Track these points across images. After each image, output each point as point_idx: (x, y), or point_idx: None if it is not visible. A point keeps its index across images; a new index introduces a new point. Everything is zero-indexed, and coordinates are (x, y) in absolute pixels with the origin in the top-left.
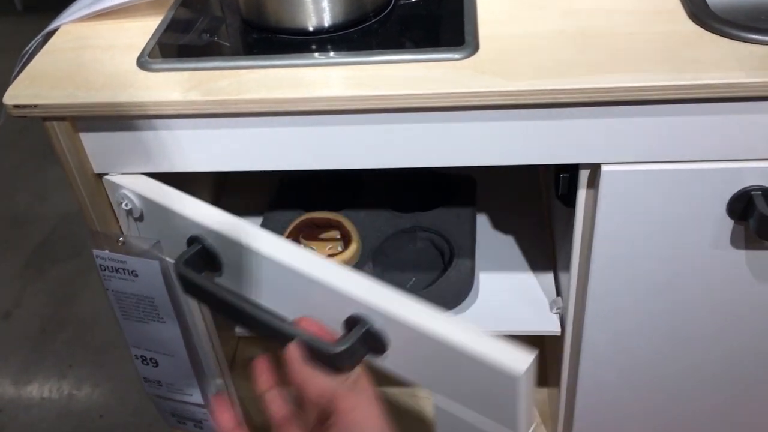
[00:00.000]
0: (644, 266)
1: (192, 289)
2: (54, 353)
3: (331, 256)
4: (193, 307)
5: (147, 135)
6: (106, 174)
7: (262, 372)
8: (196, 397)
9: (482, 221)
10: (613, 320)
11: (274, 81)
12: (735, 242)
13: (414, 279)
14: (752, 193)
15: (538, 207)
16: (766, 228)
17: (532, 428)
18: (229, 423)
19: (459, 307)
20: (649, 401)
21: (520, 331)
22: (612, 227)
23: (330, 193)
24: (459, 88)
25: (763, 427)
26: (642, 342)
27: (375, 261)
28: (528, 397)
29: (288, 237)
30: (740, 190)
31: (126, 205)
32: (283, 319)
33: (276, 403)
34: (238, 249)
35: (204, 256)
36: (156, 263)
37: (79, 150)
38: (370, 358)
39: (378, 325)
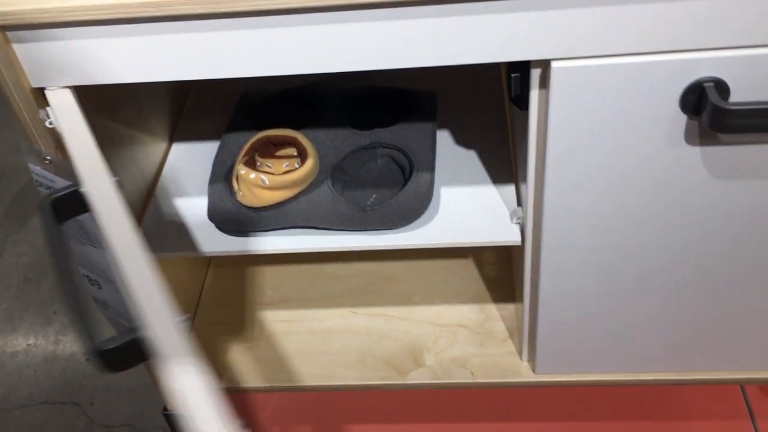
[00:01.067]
0: (599, 168)
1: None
2: (38, 300)
3: (287, 173)
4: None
5: (81, 44)
6: (45, 88)
7: None
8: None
9: (444, 136)
10: (570, 226)
11: None
12: (689, 138)
13: (375, 195)
14: (704, 84)
15: (500, 120)
16: (719, 120)
17: None
18: None
19: (419, 220)
20: (610, 308)
21: (480, 242)
22: (565, 128)
23: (288, 113)
24: None
25: (724, 325)
26: (601, 246)
27: (334, 179)
28: None
29: (244, 156)
30: (693, 83)
31: (50, 123)
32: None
33: None
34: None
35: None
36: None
37: (13, 62)
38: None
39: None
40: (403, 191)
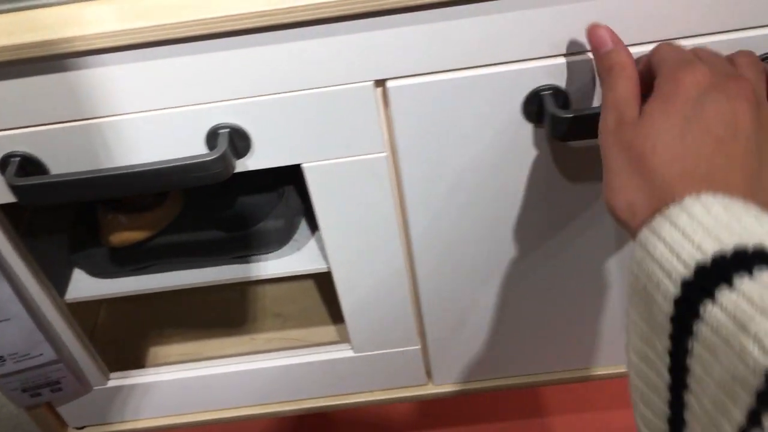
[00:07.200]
0: (455, 183)
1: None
2: None
3: (148, 209)
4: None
5: None
6: None
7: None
8: (48, 353)
9: None
10: (436, 242)
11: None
12: (538, 144)
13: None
14: (542, 93)
15: None
16: (558, 128)
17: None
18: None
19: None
20: (486, 314)
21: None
22: (413, 145)
23: None
24: (211, 13)
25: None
26: (468, 259)
27: (200, 206)
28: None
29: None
30: (531, 91)
31: None
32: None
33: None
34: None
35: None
36: None
37: None
38: None
39: None
40: (272, 214)
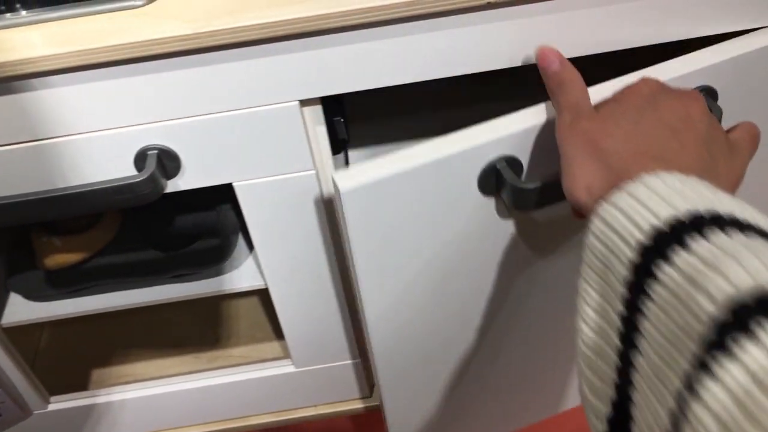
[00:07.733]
0: (414, 268)
1: None
2: None
3: (83, 231)
4: None
5: None
6: None
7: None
8: None
9: None
10: (396, 329)
11: None
12: (501, 214)
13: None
14: (498, 165)
15: None
16: (520, 199)
17: None
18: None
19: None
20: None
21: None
22: (366, 238)
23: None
24: (136, 38)
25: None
26: (430, 349)
27: (137, 222)
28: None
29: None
30: (487, 165)
31: None
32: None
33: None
34: None
35: None
36: None
37: None
38: None
39: None
40: (209, 233)
